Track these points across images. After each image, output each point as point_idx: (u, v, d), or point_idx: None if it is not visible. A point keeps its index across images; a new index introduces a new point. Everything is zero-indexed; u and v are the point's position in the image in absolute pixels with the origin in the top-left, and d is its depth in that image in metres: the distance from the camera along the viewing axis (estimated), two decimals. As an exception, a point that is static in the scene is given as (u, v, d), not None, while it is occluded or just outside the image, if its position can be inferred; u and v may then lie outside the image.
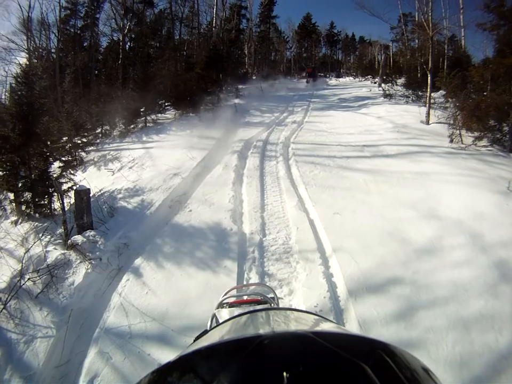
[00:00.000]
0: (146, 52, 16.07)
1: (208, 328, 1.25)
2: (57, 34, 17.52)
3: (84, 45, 19.84)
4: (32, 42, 16.87)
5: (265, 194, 5.23)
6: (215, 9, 19.59)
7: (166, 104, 12.54)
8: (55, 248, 4.72)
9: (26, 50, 16.34)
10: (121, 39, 16.95)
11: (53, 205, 5.99)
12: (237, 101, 13.71)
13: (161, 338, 2.87)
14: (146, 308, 3.24)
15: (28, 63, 15.53)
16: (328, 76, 28.28)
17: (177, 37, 19.95)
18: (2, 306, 3.92)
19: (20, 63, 15.28)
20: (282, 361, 0.38)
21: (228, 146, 7.92)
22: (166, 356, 2.64)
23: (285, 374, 0.35)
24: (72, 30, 19.44)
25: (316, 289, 3.05)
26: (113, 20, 17.96)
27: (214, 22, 19.69)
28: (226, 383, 0.36)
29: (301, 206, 4.58)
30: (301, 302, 2.97)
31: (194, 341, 0.76)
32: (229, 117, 11.13)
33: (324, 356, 0.40)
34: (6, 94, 16.45)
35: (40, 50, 17.72)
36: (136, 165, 7.36)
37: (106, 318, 3.37)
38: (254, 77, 23.05)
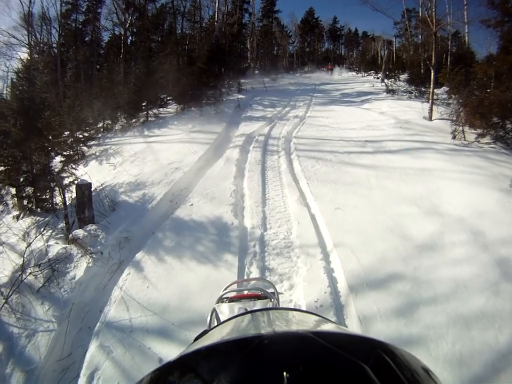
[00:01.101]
0: (148, 46, 16.05)
1: (207, 323, 1.26)
2: (58, 29, 17.45)
3: (86, 39, 19.80)
4: (33, 37, 16.77)
5: (267, 188, 5.22)
6: (217, 4, 19.43)
7: (168, 98, 12.52)
8: (56, 243, 4.73)
9: (27, 45, 16.24)
10: (122, 33, 16.87)
11: (54, 200, 6.00)
12: (239, 95, 13.65)
13: (161, 332, 2.89)
14: (147, 302, 3.26)
15: (29, 58, 15.47)
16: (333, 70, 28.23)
17: (179, 31, 19.83)
18: (4, 301, 3.93)
19: (21, 58, 15.24)
20: (283, 361, 0.38)
21: (230, 140, 7.91)
22: (166, 349, 2.66)
23: (285, 374, 0.35)
24: (73, 25, 19.35)
25: (316, 284, 3.05)
26: (115, 14, 17.88)
27: (216, 16, 19.55)
28: (226, 383, 0.36)
29: (302, 201, 4.57)
30: (301, 296, 2.97)
31: (194, 340, 0.76)
32: (231, 111, 11.09)
33: (324, 355, 0.40)
34: (8, 89, 16.50)
35: (42, 45, 17.61)
36: (138, 159, 7.35)
37: (107, 312, 3.38)
38: (256, 72, 22.94)
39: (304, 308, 2.81)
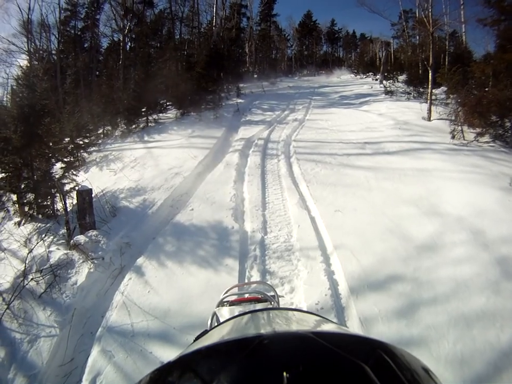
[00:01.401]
0: (147, 52, 16.12)
1: (208, 327, 1.26)
2: (57, 36, 17.54)
3: (85, 46, 19.84)
4: (33, 44, 16.87)
5: (267, 192, 5.22)
6: (215, 8, 19.55)
7: (167, 103, 12.56)
8: (58, 248, 4.73)
9: (27, 52, 16.32)
10: (121, 39, 16.95)
11: (55, 206, 6.00)
12: (238, 99, 13.69)
13: (163, 336, 2.89)
14: (149, 307, 3.26)
15: (28, 65, 15.56)
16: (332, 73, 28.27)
17: (178, 37, 19.96)
18: (6, 306, 3.93)
19: (20, 65, 15.33)
20: (283, 361, 0.39)
21: (229, 145, 7.94)
22: (167, 353, 2.66)
23: (285, 374, 0.36)
24: (72, 32, 19.44)
25: (317, 287, 3.05)
26: (114, 21, 17.93)
27: (214, 21, 19.64)
28: (226, 383, 0.37)
29: (302, 204, 4.57)
30: (302, 299, 2.97)
31: (194, 340, 0.76)
32: (230, 115, 11.14)
33: (324, 356, 0.40)
34: (8, 96, 16.58)
35: (41, 52, 17.66)
36: (138, 164, 7.38)
37: (109, 316, 3.38)
38: (255, 76, 23.04)
39: None
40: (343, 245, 3.56)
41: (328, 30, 35.51)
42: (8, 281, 4.44)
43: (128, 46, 18.07)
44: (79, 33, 19.66)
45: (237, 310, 1.42)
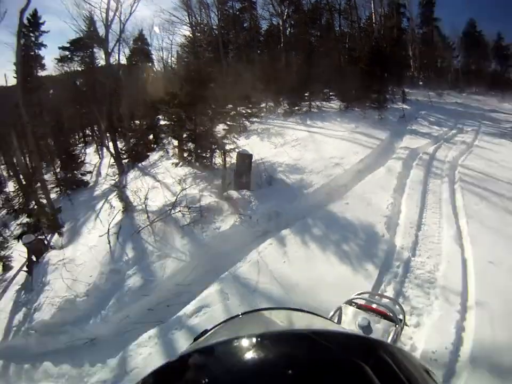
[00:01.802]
0: (307, 40, 16.44)
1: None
2: (217, 13, 18.70)
3: (244, 25, 20.67)
4: (194, 18, 18.34)
5: (425, 212, 4.87)
6: (372, 4, 18.51)
7: (331, 94, 12.80)
8: (210, 195, 5.45)
9: (188, 25, 17.95)
10: (281, 24, 17.53)
11: (213, 160, 6.89)
12: (403, 105, 12.72)
13: (282, 305, 3.03)
14: (279, 275, 3.51)
15: (191, 36, 17.35)
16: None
17: (338, 29, 19.60)
18: (148, 223, 4.75)
19: (184, 35, 17.08)
20: (283, 360, 0.39)
21: (393, 150, 7.64)
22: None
23: (285, 373, 0.36)
24: (231, 11, 20.24)
25: (441, 336, 2.75)
26: (271, 5, 18.56)
27: (373, 17, 18.68)
28: (226, 382, 0.38)
29: (458, 240, 4.10)
30: (422, 340, 2.74)
31: (194, 340, 0.76)
32: (395, 120, 10.61)
33: (324, 355, 0.40)
34: (173, 58, 18.66)
35: (202, 25, 19.12)
36: (299, 145, 7.76)
37: (239, 267, 3.78)
38: (420, 82, 21.10)
39: (418, 353, 2.60)
40: (485, 304, 3.03)
41: (495, 43, 29.18)
42: (157, 206, 5.32)
43: (287, 31, 18.62)
44: (237, 13, 20.52)
45: (361, 315, 1.43)
